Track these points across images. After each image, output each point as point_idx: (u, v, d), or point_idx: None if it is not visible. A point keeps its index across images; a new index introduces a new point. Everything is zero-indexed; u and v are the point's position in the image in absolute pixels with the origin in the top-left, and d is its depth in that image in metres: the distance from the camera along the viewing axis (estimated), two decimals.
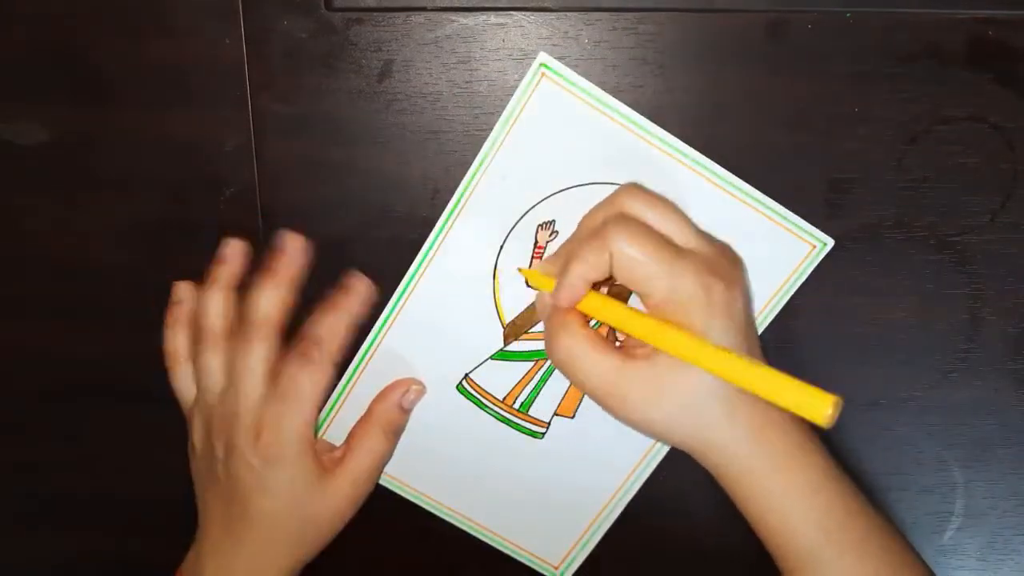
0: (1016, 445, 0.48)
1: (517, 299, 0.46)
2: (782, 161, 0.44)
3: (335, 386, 0.46)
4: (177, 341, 0.46)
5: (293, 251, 0.44)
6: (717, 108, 0.43)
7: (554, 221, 0.44)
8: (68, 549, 0.54)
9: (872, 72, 0.42)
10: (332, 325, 0.44)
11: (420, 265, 0.45)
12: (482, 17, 0.43)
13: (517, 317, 0.46)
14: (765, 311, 0.45)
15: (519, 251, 0.45)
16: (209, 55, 0.44)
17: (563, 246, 0.44)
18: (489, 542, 0.50)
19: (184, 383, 0.46)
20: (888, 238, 0.45)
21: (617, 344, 0.43)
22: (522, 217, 0.44)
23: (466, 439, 0.48)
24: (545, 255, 0.45)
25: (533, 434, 0.48)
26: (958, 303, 0.46)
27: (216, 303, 0.44)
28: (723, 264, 0.40)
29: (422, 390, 0.47)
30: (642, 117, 0.42)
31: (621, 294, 0.43)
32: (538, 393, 0.47)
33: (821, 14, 0.42)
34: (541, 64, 0.42)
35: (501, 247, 0.45)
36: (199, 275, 0.47)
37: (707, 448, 0.41)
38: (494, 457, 0.48)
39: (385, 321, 0.46)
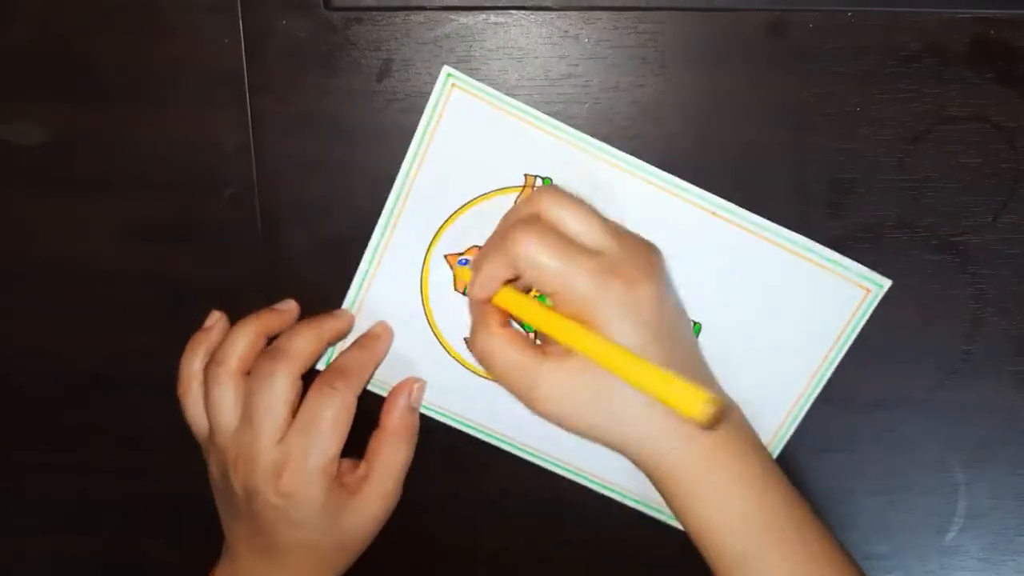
0: (1018, 445, 0.48)
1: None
2: (782, 161, 0.44)
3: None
4: (195, 366, 0.45)
5: (341, 322, 0.45)
6: (717, 108, 0.43)
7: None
8: (68, 550, 0.54)
9: (873, 72, 0.42)
10: (359, 359, 0.44)
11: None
12: (482, 16, 0.43)
13: None
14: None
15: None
16: (208, 55, 0.44)
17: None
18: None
19: (196, 411, 0.45)
20: (890, 238, 0.45)
21: (537, 343, 0.43)
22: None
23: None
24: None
25: None
26: (960, 303, 0.46)
27: (244, 340, 0.44)
28: (629, 264, 0.39)
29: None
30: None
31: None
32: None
33: (822, 14, 0.42)
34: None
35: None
36: (199, 275, 0.47)
37: (632, 446, 0.41)
38: None
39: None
